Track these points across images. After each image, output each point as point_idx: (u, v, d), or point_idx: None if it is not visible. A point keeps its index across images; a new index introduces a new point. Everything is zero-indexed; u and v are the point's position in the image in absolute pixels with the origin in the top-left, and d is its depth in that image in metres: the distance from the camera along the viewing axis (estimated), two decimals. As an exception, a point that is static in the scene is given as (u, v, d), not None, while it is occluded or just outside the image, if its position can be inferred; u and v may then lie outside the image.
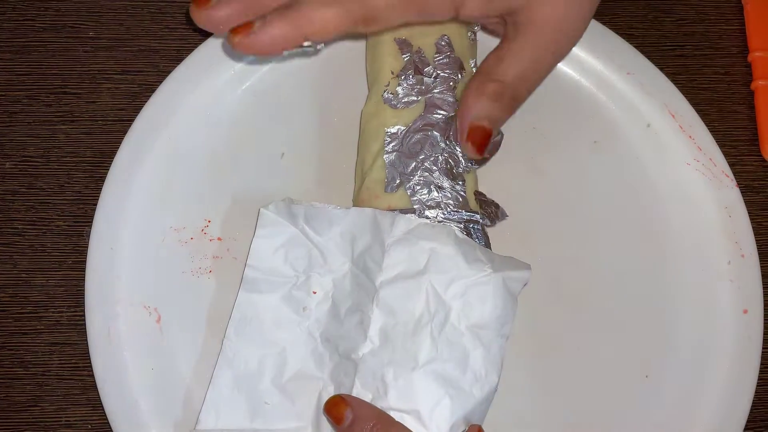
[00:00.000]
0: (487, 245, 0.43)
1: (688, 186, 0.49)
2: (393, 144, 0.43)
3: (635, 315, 0.47)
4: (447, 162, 0.42)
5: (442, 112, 0.43)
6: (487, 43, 0.47)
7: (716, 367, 0.46)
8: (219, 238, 0.46)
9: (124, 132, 0.47)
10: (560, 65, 0.51)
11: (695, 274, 0.48)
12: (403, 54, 0.44)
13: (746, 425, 0.45)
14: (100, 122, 0.49)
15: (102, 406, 0.43)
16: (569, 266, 0.48)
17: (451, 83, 0.44)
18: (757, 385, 0.46)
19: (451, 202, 0.42)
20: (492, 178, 0.47)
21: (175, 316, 0.45)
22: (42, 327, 0.46)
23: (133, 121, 0.47)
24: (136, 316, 0.44)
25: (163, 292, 0.45)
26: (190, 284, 0.45)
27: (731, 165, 0.49)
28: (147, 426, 0.42)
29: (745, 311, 0.47)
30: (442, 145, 0.42)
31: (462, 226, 0.42)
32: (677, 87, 0.51)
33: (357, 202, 0.44)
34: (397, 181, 0.42)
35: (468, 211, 0.42)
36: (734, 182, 0.49)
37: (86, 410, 0.45)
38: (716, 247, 0.48)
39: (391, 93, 0.44)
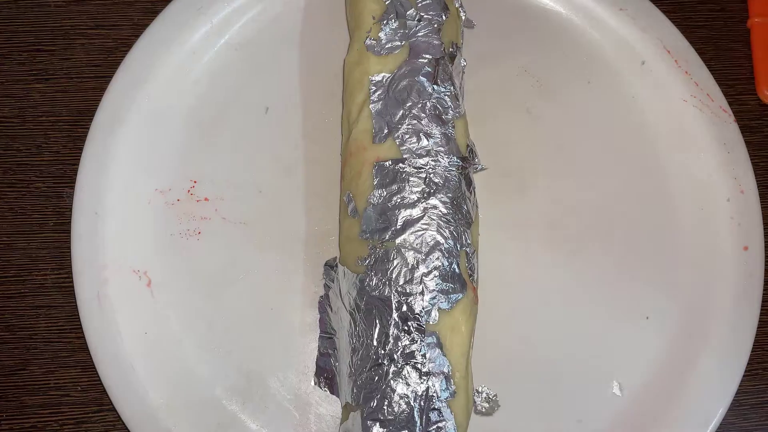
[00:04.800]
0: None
1: (686, 123, 0.48)
2: (378, 92, 0.41)
3: (635, 255, 0.46)
4: (435, 108, 0.41)
5: (427, 56, 0.41)
6: None
7: (718, 306, 0.45)
8: (206, 199, 0.45)
9: (101, 89, 0.45)
10: (550, 3, 0.50)
11: (694, 212, 0.47)
12: None
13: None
14: (75, 80, 0.48)
15: (91, 368, 0.42)
16: (567, 210, 0.46)
17: (435, 25, 0.42)
18: (759, 325, 0.45)
19: (442, 149, 0.40)
20: (484, 125, 0.46)
21: (166, 279, 0.44)
22: (26, 290, 0.45)
23: (109, 77, 0.45)
24: (125, 280, 0.43)
25: (152, 256, 0.44)
26: (179, 247, 0.44)
27: (729, 104, 0.48)
28: (143, 389, 0.42)
29: (746, 248, 0.46)
30: (430, 90, 0.41)
31: (454, 173, 0.40)
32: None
33: (345, 154, 0.42)
34: (385, 131, 0.40)
35: (459, 158, 0.41)
36: (732, 117, 0.48)
37: (75, 372, 0.44)
38: (715, 184, 0.47)
39: (373, 39, 0.42)
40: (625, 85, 0.49)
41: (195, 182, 0.45)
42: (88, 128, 0.45)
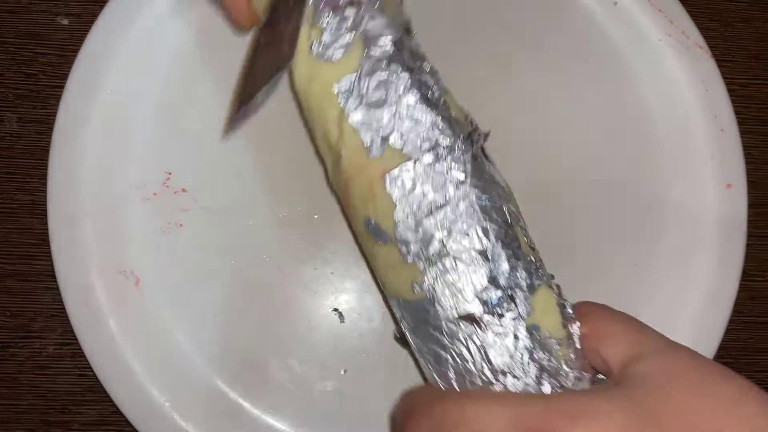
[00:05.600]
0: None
1: (662, 63, 0.47)
2: (351, 100, 0.36)
3: (617, 203, 0.46)
4: (421, 91, 0.36)
5: (385, 39, 0.36)
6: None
7: (703, 247, 0.46)
8: (183, 190, 0.44)
9: (50, 12, 0.45)
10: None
11: (675, 154, 0.47)
12: None
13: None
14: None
15: (22, 294, 0.43)
16: (547, 163, 0.46)
17: (377, 4, 0.36)
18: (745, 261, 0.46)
19: (448, 132, 0.35)
20: (462, 83, 0.45)
21: (153, 276, 0.43)
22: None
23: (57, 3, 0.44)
24: (112, 282, 0.42)
25: (135, 255, 0.43)
26: (163, 241, 0.43)
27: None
28: (146, 389, 0.42)
29: (729, 186, 0.46)
30: (406, 75, 0.36)
31: (471, 152, 0.35)
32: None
33: (342, 179, 0.37)
34: (379, 139, 0.35)
35: (466, 136, 0.36)
36: (709, 53, 0.47)
37: (5, 297, 0.44)
38: (694, 124, 0.47)
39: (318, 44, 0.36)
40: (598, 28, 0.47)
41: (170, 173, 0.44)
42: (33, 53, 0.44)
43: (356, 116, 0.35)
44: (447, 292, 0.34)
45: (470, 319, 0.34)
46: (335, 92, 0.36)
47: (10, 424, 0.43)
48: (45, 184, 0.43)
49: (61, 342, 0.44)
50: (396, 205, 0.35)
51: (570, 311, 0.35)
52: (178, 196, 0.44)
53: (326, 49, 0.36)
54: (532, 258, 0.35)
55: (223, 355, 0.43)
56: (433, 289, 0.34)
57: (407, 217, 0.35)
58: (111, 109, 0.44)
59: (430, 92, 0.36)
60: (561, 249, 0.45)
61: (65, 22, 0.47)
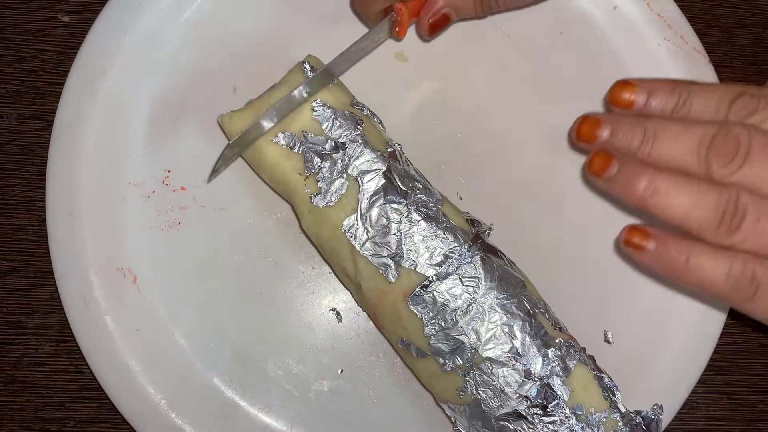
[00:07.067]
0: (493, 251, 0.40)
1: (661, 67, 0.47)
2: (359, 236, 0.38)
3: (614, 206, 0.46)
4: (419, 211, 0.38)
5: (375, 174, 0.39)
6: None
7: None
8: (182, 188, 0.44)
9: (50, 9, 0.45)
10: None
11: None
12: (293, 148, 0.39)
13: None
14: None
15: (19, 291, 0.43)
16: (545, 164, 0.46)
17: (359, 140, 0.39)
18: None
19: (455, 245, 0.38)
20: (458, 87, 0.45)
21: (151, 273, 0.43)
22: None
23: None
24: (110, 280, 0.42)
25: (134, 252, 0.43)
26: (161, 239, 0.43)
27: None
28: (141, 386, 0.42)
29: (725, 190, 0.46)
30: (404, 201, 0.38)
31: (479, 255, 0.38)
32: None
33: (368, 305, 0.40)
34: (392, 265, 0.38)
35: (472, 240, 0.38)
36: (707, 58, 0.47)
37: (1, 294, 0.44)
38: (693, 129, 0.47)
39: (316, 193, 0.39)
40: (597, 32, 0.48)
41: (169, 171, 0.44)
42: (34, 49, 0.43)
43: (367, 249, 0.38)
44: (489, 393, 0.37)
45: (516, 415, 0.36)
46: (343, 232, 0.39)
47: (6, 421, 0.43)
48: (44, 181, 0.43)
49: (57, 339, 0.44)
50: (423, 323, 0.38)
51: (607, 381, 0.37)
52: (177, 195, 0.44)
53: (324, 196, 0.39)
54: (561, 339, 0.37)
55: (220, 354, 0.43)
56: (477, 392, 0.37)
57: (437, 332, 0.37)
58: (110, 106, 0.44)
59: (427, 210, 0.39)
60: (558, 251, 0.45)
61: (66, 19, 0.47)
